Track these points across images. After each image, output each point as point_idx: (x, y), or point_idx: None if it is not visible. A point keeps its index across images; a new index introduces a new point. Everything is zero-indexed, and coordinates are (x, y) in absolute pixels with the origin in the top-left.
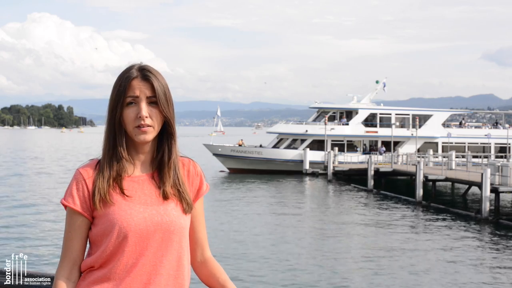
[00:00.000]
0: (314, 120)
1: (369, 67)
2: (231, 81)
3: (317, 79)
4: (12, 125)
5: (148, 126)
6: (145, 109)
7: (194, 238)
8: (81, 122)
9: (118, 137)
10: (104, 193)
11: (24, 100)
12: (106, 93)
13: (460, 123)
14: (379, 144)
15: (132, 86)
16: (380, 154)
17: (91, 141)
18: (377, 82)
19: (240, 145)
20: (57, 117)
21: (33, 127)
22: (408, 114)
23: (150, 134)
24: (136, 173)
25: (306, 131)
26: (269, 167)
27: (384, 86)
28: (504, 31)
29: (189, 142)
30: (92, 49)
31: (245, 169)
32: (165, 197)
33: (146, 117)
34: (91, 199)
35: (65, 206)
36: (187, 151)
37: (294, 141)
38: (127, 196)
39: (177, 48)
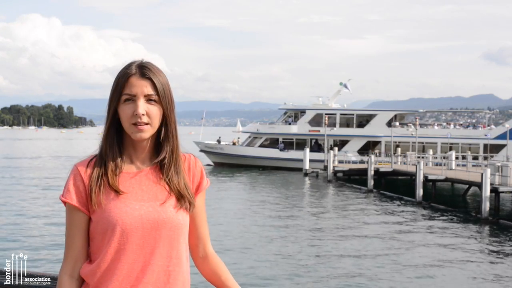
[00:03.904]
0: (283, 120)
1: (368, 67)
2: (231, 81)
3: (316, 79)
4: (11, 125)
5: (145, 124)
6: (142, 106)
7: (195, 233)
8: (81, 122)
9: (115, 133)
10: (100, 189)
11: (24, 100)
12: (105, 93)
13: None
14: (326, 143)
15: (129, 83)
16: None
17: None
18: (340, 84)
19: (234, 144)
20: (57, 117)
21: (33, 127)
22: (353, 114)
23: (147, 132)
24: (135, 170)
25: (258, 130)
26: (244, 162)
27: (346, 87)
28: (504, 31)
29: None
30: (91, 49)
31: (225, 163)
32: (164, 193)
33: (142, 114)
34: (88, 195)
35: (64, 203)
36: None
37: (254, 139)
38: (123, 192)
39: (176, 48)
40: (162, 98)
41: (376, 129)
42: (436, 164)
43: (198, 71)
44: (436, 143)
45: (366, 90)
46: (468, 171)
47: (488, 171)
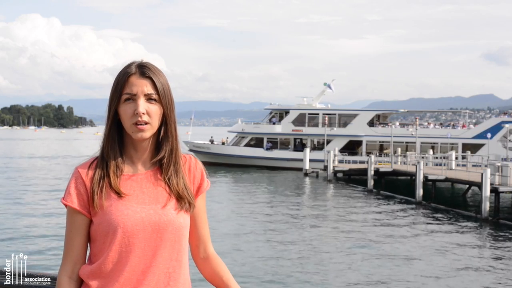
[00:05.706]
0: (268, 120)
1: (368, 67)
2: (231, 81)
3: (316, 79)
4: (11, 125)
5: (146, 123)
6: (142, 105)
7: (196, 234)
8: (81, 122)
9: (116, 134)
10: (102, 192)
11: (24, 100)
12: (105, 93)
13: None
14: (309, 143)
15: (129, 82)
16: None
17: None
18: (325, 84)
19: (223, 143)
20: (57, 117)
21: (33, 127)
22: (335, 114)
23: (148, 132)
24: (135, 171)
25: (243, 129)
26: (231, 161)
27: (330, 87)
28: (504, 31)
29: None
30: (91, 49)
31: (213, 162)
32: (164, 196)
33: (143, 113)
34: (89, 198)
35: (65, 205)
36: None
37: (241, 139)
38: (125, 195)
39: (176, 48)
40: (162, 97)
41: (357, 129)
42: (436, 164)
43: (198, 71)
44: (414, 142)
45: (366, 90)
46: (468, 171)
47: (488, 171)
